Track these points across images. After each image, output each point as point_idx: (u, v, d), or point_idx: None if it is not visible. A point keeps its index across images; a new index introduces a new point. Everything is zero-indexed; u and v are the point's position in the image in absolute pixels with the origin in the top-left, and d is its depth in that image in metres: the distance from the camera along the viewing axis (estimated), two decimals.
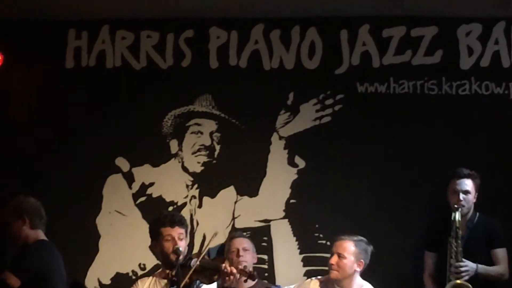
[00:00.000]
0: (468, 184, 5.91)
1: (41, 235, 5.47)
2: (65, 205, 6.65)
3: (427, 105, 6.60)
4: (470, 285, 5.66)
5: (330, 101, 6.69)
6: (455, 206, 5.83)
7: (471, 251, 5.80)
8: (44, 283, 5.29)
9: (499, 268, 5.89)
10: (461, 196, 5.87)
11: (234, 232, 6.19)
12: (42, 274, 5.30)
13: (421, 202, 6.45)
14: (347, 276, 5.66)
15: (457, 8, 6.49)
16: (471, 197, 5.91)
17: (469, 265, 5.74)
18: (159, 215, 5.47)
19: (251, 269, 5.76)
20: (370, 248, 5.71)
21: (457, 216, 5.78)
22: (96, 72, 6.86)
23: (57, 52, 6.88)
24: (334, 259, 5.66)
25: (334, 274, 5.67)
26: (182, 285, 5.08)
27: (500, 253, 5.92)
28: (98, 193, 6.73)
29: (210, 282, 5.26)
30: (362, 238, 5.73)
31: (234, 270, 5.18)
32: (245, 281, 5.60)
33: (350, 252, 5.65)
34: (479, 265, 5.78)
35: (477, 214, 5.97)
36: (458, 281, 5.69)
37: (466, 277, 5.72)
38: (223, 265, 5.20)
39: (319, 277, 5.95)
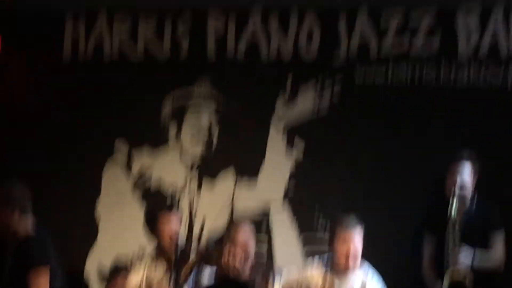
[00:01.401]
0: (467, 166, 5.90)
1: (29, 222, 5.34)
2: (65, 188, 6.68)
3: (424, 90, 6.60)
4: (468, 273, 5.68)
5: (329, 82, 6.67)
6: (453, 189, 5.82)
7: (468, 234, 5.80)
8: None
9: (494, 253, 5.89)
10: (459, 180, 5.86)
11: (239, 220, 6.17)
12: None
13: (421, 184, 6.44)
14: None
15: None
16: (470, 180, 5.90)
17: (467, 252, 5.75)
18: (154, 202, 5.50)
19: (252, 255, 5.82)
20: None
21: (453, 211, 5.77)
22: (95, 56, 6.85)
23: (55, 33, 6.86)
24: (351, 250, 5.65)
25: (351, 264, 5.68)
26: (182, 272, 5.13)
27: (496, 236, 5.91)
28: (97, 175, 6.74)
29: (210, 266, 5.31)
30: (357, 218, 5.74)
31: (237, 265, 5.21)
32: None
33: (361, 239, 5.67)
34: (476, 252, 5.78)
35: (476, 196, 5.96)
36: (456, 269, 5.71)
37: (464, 264, 5.73)
38: (224, 258, 5.23)
39: (316, 258, 5.94)
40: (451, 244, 5.76)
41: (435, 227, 5.95)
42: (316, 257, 5.98)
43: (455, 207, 5.77)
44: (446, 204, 5.85)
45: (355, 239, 5.64)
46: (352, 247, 5.62)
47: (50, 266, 5.19)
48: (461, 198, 5.82)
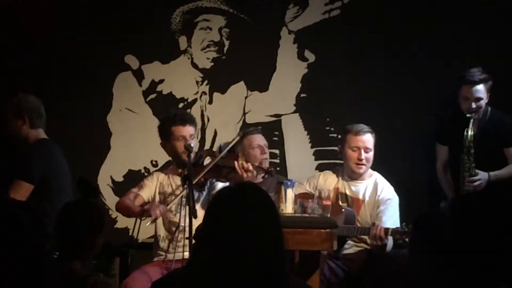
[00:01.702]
0: (480, 90, 5.71)
1: (41, 134, 5.42)
2: (76, 104, 6.66)
3: None
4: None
5: None
6: (468, 115, 5.74)
7: (482, 150, 5.76)
8: (52, 183, 5.31)
9: (508, 170, 5.85)
10: (473, 104, 5.76)
11: (251, 128, 6.13)
12: (49, 173, 5.32)
13: (433, 96, 6.41)
14: (370, 166, 5.69)
15: None
16: (483, 102, 5.75)
17: (481, 177, 5.71)
18: (168, 114, 5.43)
19: (267, 164, 5.81)
20: None
21: (470, 132, 5.71)
22: None
23: None
24: (363, 155, 5.62)
25: (363, 168, 5.64)
26: (195, 182, 5.12)
27: None
28: (108, 91, 6.72)
29: (226, 180, 5.29)
30: (368, 127, 5.72)
31: (251, 167, 5.19)
32: (263, 177, 5.65)
33: (373, 144, 5.65)
34: (491, 173, 5.71)
35: (489, 109, 5.84)
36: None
37: (480, 188, 5.71)
38: (239, 162, 5.21)
39: (327, 171, 5.97)
40: (466, 173, 5.73)
41: (448, 136, 5.92)
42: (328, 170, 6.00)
43: (471, 127, 5.72)
44: (458, 118, 5.81)
45: (366, 144, 5.62)
46: (362, 153, 5.61)
47: (33, 184, 5.21)
48: (475, 117, 5.76)
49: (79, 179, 3.84)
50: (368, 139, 5.62)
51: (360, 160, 5.60)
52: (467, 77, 5.72)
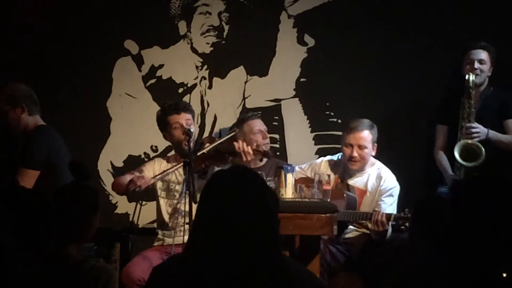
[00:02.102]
0: (483, 54, 5.83)
1: (39, 120, 5.46)
2: (75, 90, 6.65)
3: None
4: (480, 145, 5.66)
5: None
6: (470, 72, 5.78)
7: (483, 121, 5.77)
8: (54, 168, 5.33)
9: (509, 137, 5.86)
10: (476, 64, 5.80)
11: (250, 114, 6.12)
12: (53, 158, 5.33)
13: (432, 78, 6.41)
14: (367, 162, 5.70)
15: None
16: (486, 68, 5.82)
17: (480, 128, 5.72)
18: (163, 105, 5.49)
19: (265, 148, 5.82)
20: (376, 127, 5.73)
21: (471, 77, 5.73)
22: None
23: None
24: (355, 152, 5.65)
25: (357, 165, 5.69)
26: (197, 169, 5.14)
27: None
28: (108, 76, 6.69)
29: (225, 165, 5.31)
30: (369, 121, 5.73)
31: (250, 150, 5.21)
32: (261, 160, 5.66)
33: (369, 140, 5.66)
34: (490, 130, 5.76)
35: (491, 87, 5.90)
36: (470, 141, 5.68)
37: (477, 139, 5.71)
38: (237, 144, 5.23)
39: (328, 157, 5.98)
40: (464, 120, 5.73)
41: (448, 115, 5.92)
42: (329, 156, 6.01)
43: (471, 82, 5.72)
44: (458, 97, 5.81)
45: (359, 142, 5.64)
46: (354, 150, 5.63)
47: (38, 170, 5.25)
48: (476, 82, 5.77)
49: (70, 162, 3.84)
50: (362, 136, 5.64)
51: (352, 157, 5.63)
52: (471, 43, 5.87)
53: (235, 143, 5.23)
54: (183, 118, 5.37)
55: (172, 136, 5.40)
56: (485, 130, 5.71)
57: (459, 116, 5.77)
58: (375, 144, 5.72)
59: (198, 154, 5.16)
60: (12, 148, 5.59)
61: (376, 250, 5.42)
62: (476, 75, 5.76)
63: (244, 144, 5.24)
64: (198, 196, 4.78)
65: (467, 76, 5.74)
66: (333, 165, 5.86)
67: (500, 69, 5.95)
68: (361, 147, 5.64)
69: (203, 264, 2.72)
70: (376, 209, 5.49)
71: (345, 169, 5.78)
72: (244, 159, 5.22)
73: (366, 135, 5.65)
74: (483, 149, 5.62)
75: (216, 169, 5.30)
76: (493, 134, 5.74)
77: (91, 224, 3.69)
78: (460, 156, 5.66)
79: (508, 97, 5.89)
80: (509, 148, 5.83)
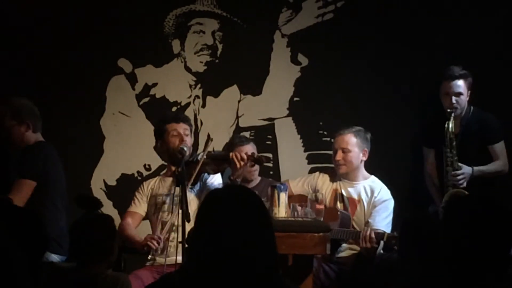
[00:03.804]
0: (460, 85, 5.80)
1: (40, 136, 5.44)
2: (69, 107, 6.64)
3: None
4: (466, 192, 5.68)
5: None
6: (448, 110, 5.78)
7: (466, 148, 5.79)
8: (51, 185, 5.32)
9: (496, 165, 5.87)
10: (454, 99, 5.81)
11: (237, 139, 6.07)
12: (48, 175, 5.32)
13: (426, 99, 6.41)
14: (355, 168, 5.71)
15: None
16: (464, 98, 5.83)
17: (465, 171, 5.74)
18: (164, 114, 5.55)
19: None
20: (369, 135, 5.75)
21: (451, 125, 5.75)
22: None
23: None
24: (339, 155, 5.67)
25: (343, 169, 5.70)
26: (191, 180, 5.14)
27: (498, 147, 5.89)
28: (101, 94, 6.69)
29: (217, 171, 5.33)
30: (359, 127, 5.74)
31: (245, 156, 5.23)
32: (252, 165, 5.66)
33: (353, 144, 5.67)
34: (474, 168, 5.77)
35: (471, 108, 5.91)
36: (456, 190, 5.71)
37: (464, 184, 5.74)
38: (231, 153, 5.26)
39: (325, 173, 5.99)
40: (449, 167, 5.75)
41: (433, 139, 5.95)
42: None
43: (452, 120, 5.74)
44: (441, 118, 5.84)
45: (341, 145, 5.67)
46: (338, 154, 5.66)
47: (35, 181, 5.22)
48: (456, 114, 5.79)
49: (77, 196, 4.01)
50: (344, 139, 5.67)
51: (336, 161, 5.65)
52: (447, 72, 5.84)
53: (230, 153, 5.28)
54: (181, 127, 5.42)
55: (168, 143, 5.42)
56: (469, 170, 5.75)
57: (443, 142, 5.79)
58: (365, 150, 5.72)
59: (192, 164, 5.19)
60: (6, 163, 5.58)
61: (369, 269, 5.41)
62: (455, 109, 5.77)
63: (238, 153, 5.26)
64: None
65: (446, 124, 5.75)
66: (329, 178, 5.86)
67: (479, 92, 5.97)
68: (344, 150, 5.67)
69: (200, 283, 2.71)
70: (369, 220, 5.51)
71: (339, 180, 5.78)
72: (238, 165, 5.22)
73: (349, 139, 5.67)
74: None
75: (209, 176, 5.32)
76: (477, 170, 5.79)
77: (112, 250, 4.00)
78: None
79: (488, 119, 5.91)
80: (499, 175, 5.87)
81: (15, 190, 5.15)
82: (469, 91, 5.85)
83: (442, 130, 5.82)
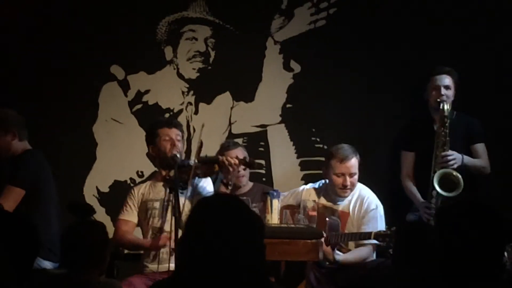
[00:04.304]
0: (447, 80, 5.89)
1: (27, 145, 5.47)
2: (61, 114, 6.63)
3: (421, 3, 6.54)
4: (458, 175, 5.68)
5: (324, 4, 6.62)
6: (438, 100, 5.82)
7: (452, 147, 5.81)
8: (41, 191, 5.34)
9: (481, 162, 5.91)
10: (443, 91, 5.85)
11: (227, 144, 6.03)
12: (39, 182, 5.33)
13: (417, 106, 6.41)
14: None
15: None
16: (451, 93, 5.89)
17: (456, 155, 5.76)
18: (156, 119, 5.56)
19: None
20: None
21: (446, 106, 5.78)
22: None
23: None
24: (347, 181, 5.66)
25: (348, 193, 5.71)
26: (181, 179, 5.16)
27: (480, 147, 5.93)
28: (94, 101, 6.69)
29: (207, 174, 5.34)
30: (351, 146, 5.75)
31: (236, 160, 5.23)
32: (244, 169, 5.66)
33: (357, 166, 5.70)
34: (465, 156, 5.80)
35: (455, 112, 5.93)
36: (448, 171, 5.70)
37: (455, 166, 5.74)
38: (222, 157, 5.27)
39: (310, 184, 5.99)
40: (440, 149, 5.76)
41: (414, 142, 5.98)
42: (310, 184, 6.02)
43: (446, 111, 5.75)
44: (424, 123, 5.93)
45: (351, 170, 5.67)
46: (347, 178, 5.66)
47: (24, 189, 5.24)
48: (444, 110, 5.81)
49: (69, 203, 4.01)
50: (352, 164, 5.68)
51: (345, 186, 5.65)
52: (436, 69, 5.93)
53: (219, 156, 5.29)
54: (174, 133, 5.44)
55: (159, 147, 5.42)
56: (460, 156, 5.76)
57: (425, 143, 5.81)
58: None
59: (183, 168, 5.19)
60: None
61: (362, 275, 5.42)
62: (445, 100, 5.81)
63: (232, 158, 5.27)
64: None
65: (441, 105, 5.77)
66: (315, 192, 5.87)
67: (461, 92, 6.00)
68: (351, 175, 5.68)
69: None
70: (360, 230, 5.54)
71: (328, 195, 5.79)
72: (231, 169, 5.23)
73: (355, 163, 5.70)
74: (461, 179, 5.64)
75: (200, 179, 5.33)
76: (467, 159, 5.81)
77: (105, 257, 4.02)
78: (439, 185, 5.68)
79: (472, 121, 5.98)
80: (483, 172, 5.89)
81: (3, 197, 5.18)
82: (455, 91, 5.89)
83: (423, 133, 5.90)
